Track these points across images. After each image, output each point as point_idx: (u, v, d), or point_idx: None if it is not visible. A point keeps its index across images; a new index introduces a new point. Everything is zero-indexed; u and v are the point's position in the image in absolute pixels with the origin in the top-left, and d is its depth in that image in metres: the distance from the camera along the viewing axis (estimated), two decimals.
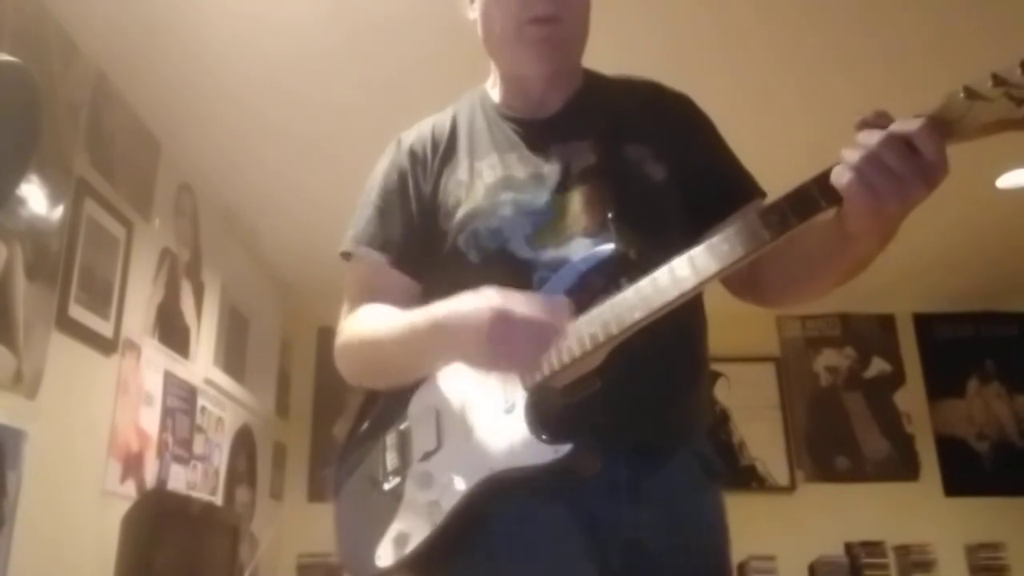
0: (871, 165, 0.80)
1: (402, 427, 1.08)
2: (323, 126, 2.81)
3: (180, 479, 2.94)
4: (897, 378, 4.66)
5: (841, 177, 0.82)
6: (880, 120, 0.82)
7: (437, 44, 2.30)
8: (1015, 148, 3.09)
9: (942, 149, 0.79)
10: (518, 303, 0.92)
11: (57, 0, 2.19)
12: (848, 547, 4.17)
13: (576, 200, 1.08)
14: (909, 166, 0.79)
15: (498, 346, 0.91)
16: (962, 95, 0.78)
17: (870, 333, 4.74)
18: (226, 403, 3.48)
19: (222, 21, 2.34)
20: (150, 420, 2.72)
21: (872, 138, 0.81)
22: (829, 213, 0.85)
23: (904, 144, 0.79)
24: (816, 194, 0.84)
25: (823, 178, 0.84)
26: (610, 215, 1.05)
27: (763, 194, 1.15)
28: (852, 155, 0.81)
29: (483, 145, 1.17)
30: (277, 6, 2.30)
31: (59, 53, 2.26)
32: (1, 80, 1.84)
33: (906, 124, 0.80)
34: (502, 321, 0.91)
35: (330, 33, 2.41)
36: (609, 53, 1.27)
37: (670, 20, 2.37)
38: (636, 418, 1.01)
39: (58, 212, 2.22)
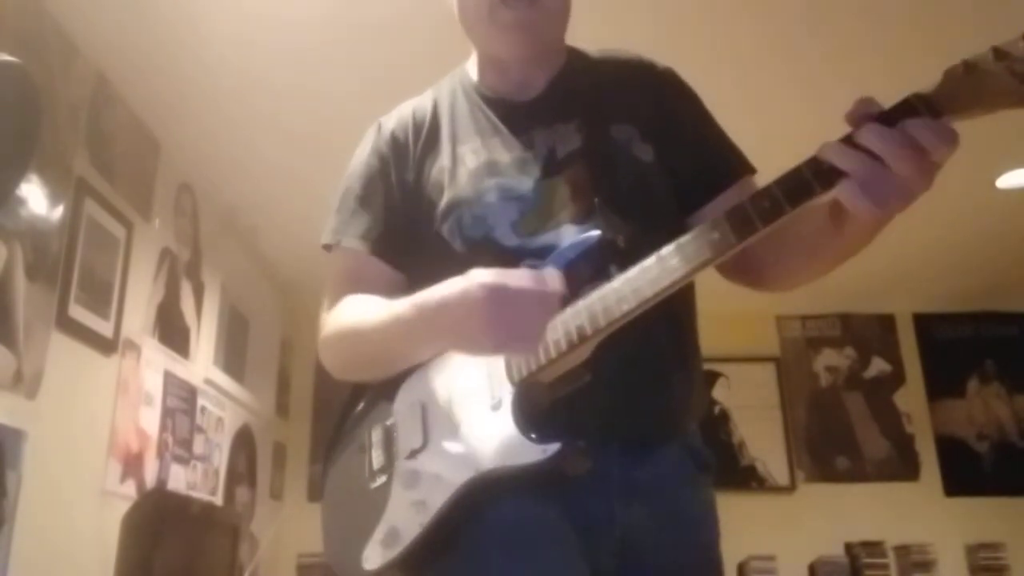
0: (876, 174, 0.76)
1: (387, 423, 1.05)
2: (323, 126, 2.81)
3: (180, 479, 2.94)
4: (897, 378, 4.66)
5: (846, 191, 0.77)
6: (867, 109, 0.79)
7: (438, 44, 2.30)
8: (1015, 148, 3.09)
9: (950, 152, 0.75)
10: (510, 277, 0.88)
11: (57, 0, 2.19)
12: (848, 547, 4.17)
13: (562, 185, 1.05)
14: (921, 173, 0.75)
15: (498, 323, 0.86)
16: (962, 70, 0.75)
17: (870, 333, 4.74)
18: (226, 403, 3.48)
19: (222, 21, 2.34)
20: (150, 420, 2.72)
21: (878, 143, 0.76)
22: (823, 198, 0.82)
23: (912, 147, 0.75)
24: (810, 179, 0.81)
25: (816, 162, 0.80)
26: (597, 200, 1.02)
27: (753, 171, 1.13)
28: (854, 163, 0.77)
29: (465, 130, 1.14)
30: (277, 6, 2.30)
31: (59, 53, 2.25)
32: (1, 80, 1.85)
33: (924, 133, 0.75)
34: (498, 296, 0.86)
35: (330, 33, 2.41)
36: (595, 37, 1.24)
37: (657, 7, 2.35)
38: (626, 411, 0.99)
39: (58, 212, 2.22)
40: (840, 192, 0.78)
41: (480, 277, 0.89)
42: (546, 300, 0.88)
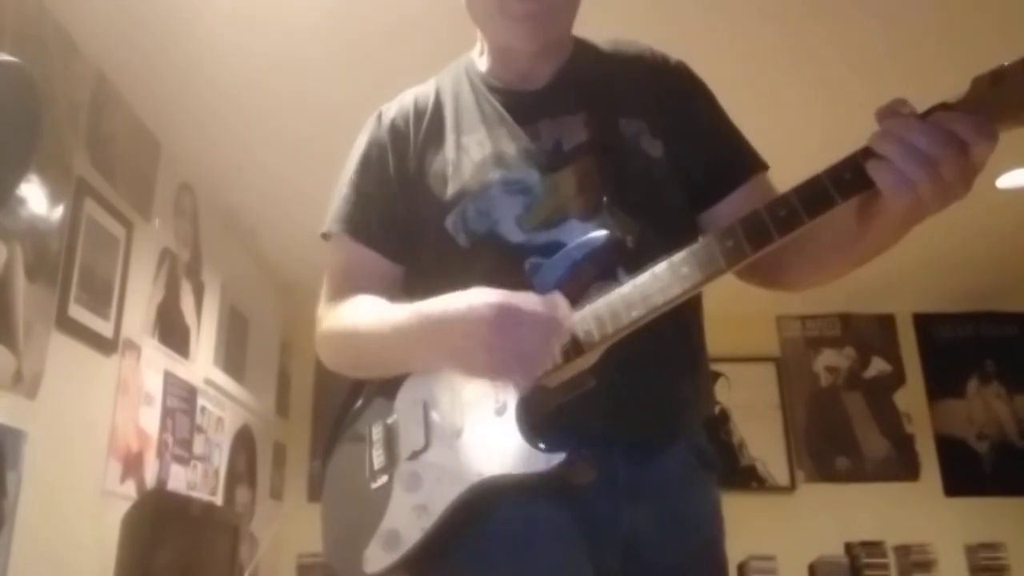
0: (927, 174, 0.73)
1: (389, 421, 1.02)
2: (322, 127, 2.81)
3: (180, 479, 2.94)
4: (897, 378, 4.66)
5: (884, 176, 0.75)
6: (900, 108, 0.76)
7: (437, 50, 2.30)
8: (1015, 148, 3.07)
9: (990, 150, 0.73)
10: (516, 300, 0.86)
11: (57, 0, 2.19)
12: (848, 547, 4.17)
13: (569, 179, 1.03)
14: (960, 174, 0.73)
15: (500, 346, 0.84)
16: (989, 80, 0.72)
17: (870, 333, 4.74)
18: (226, 403, 3.48)
19: (222, 22, 2.34)
20: (150, 420, 2.72)
21: (923, 138, 0.73)
22: (842, 208, 0.80)
23: (963, 152, 0.72)
24: (829, 188, 0.78)
25: (837, 171, 0.79)
26: (605, 199, 1.00)
27: (765, 167, 1.10)
28: (897, 152, 0.74)
29: (470, 119, 1.11)
30: (276, 8, 2.30)
31: (59, 53, 2.25)
32: (1, 80, 1.84)
33: (959, 123, 0.73)
34: (505, 317, 0.84)
35: (329, 35, 2.41)
36: (605, 34, 1.23)
37: (672, 7, 2.35)
38: (633, 414, 0.98)
39: (58, 212, 2.22)
40: (878, 175, 0.75)
41: (487, 296, 0.87)
42: (553, 328, 0.86)
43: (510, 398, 0.93)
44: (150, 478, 2.69)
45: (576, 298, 0.91)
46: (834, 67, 2.63)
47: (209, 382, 3.27)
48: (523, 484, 0.88)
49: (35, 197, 2.11)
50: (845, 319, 4.75)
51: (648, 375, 0.98)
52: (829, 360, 4.71)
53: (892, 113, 0.77)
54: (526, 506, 0.91)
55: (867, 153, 0.78)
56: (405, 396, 1.03)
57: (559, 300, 0.88)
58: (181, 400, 2.98)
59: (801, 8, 2.38)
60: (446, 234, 1.04)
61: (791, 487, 4.44)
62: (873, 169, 0.76)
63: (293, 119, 2.81)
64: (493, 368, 0.88)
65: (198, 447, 3.12)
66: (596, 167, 1.04)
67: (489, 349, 0.86)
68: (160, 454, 2.78)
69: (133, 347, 2.61)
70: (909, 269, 3.92)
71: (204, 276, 3.27)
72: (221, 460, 3.39)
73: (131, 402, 2.59)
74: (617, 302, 0.88)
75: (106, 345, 2.45)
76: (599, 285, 0.91)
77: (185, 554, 2.59)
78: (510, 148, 1.07)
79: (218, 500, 3.31)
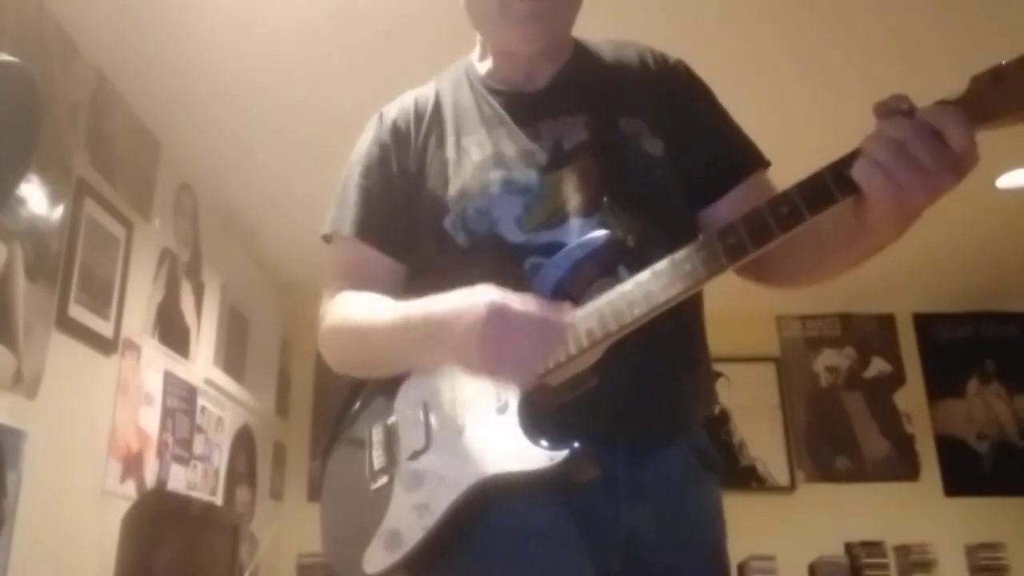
0: (899, 160, 0.74)
1: (389, 422, 1.02)
2: (322, 127, 2.81)
3: (180, 479, 2.94)
4: (897, 378, 4.66)
5: (866, 176, 0.76)
6: (899, 104, 0.77)
7: (434, 48, 2.30)
8: (1015, 148, 3.09)
9: (973, 138, 0.74)
10: (517, 301, 0.86)
11: (57, 0, 2.19)
12: (848, 547, 4.17)
13: (569, 179, 1.03)
14: (939, 159, 0.74)
15: (492, 345, 0.85)
16: (989, 78, 0.72)
17: (870, 333, 4.74)
18: (226, 403, 3.48)
19: (222, 22, 2.34)
20: (150, 420, 2.72)
21: (899, 130, 0.75)
22: (842, 205, 0.80)
23: (934, 136, 0.74)
24: (830, 185, 0.79)
25: (838, 168, 0.79)
26: (606, 198, 1.00)
27: (766, 164, 1.11)
28: (878, 150, 0.76)
29: (470, 121, 1.12)
30: (276, 8, 2.30)
31: (59, 53, 2.25)
32: (1, 80, 1.84)
33: (935, 114, 0.74)
34: (498, 317, 0.85)
35: (328, 35, 2.41)
36: (611, 36, 1.22)
37: (672, 7, 2.35)
38: (634, 415, 0.98)
39: (58, 212, 2.22)
40: (856, 172, 0.77)
41: (487, 295, 0.87)
42: (549, 330, 0.86)
43: (512, 397, 0.93)
44: (150, 478, 2.69)
45: (578, 297, 0.91)
46: (834, 66, 2.63)
47: (209, 382, 3.27)
48: (525, 482, 0.88)
49: (35, 197, 2.11)
50: (845, 319, 4.75)
51: (650, 374, 0.98)
52: (829, 360, 4.71)
53: (890, 108, 0.78)
54: (528, 506, 0.91)
55: (859, 152, 0.79)
56: (405, 396, 1.03)
57: (560, 305, 0.88)
58: (181, 400, 2.98)
59: (801, 7, 2.38)
60: (445, 234, 1.05)
61: (791, 487, 4.44)
62: (858, 169, 0.78)
63: (293, 119, 2.81)
64: (482, 366, 0.88)
65: (198, 447, 3.12)
66: (596, 166, 1.04)
67: (479, 347, 0.86)
68: (160, 454, 2.78)
69: (133, 347, 2.61)
70: (909, 269, 3.92)
71: (204, 276, 3.27)
72: (221, 460, 3.39)
73: (131, 402, 2.59)
74: (619, 300, 0.88)
75: (106, 345, 2.45)
76: (600, 284, 0.91)
77: (185, 554, 2.59)
78: (510, 148, 1.07)
79: (218, 500, 3.31)
